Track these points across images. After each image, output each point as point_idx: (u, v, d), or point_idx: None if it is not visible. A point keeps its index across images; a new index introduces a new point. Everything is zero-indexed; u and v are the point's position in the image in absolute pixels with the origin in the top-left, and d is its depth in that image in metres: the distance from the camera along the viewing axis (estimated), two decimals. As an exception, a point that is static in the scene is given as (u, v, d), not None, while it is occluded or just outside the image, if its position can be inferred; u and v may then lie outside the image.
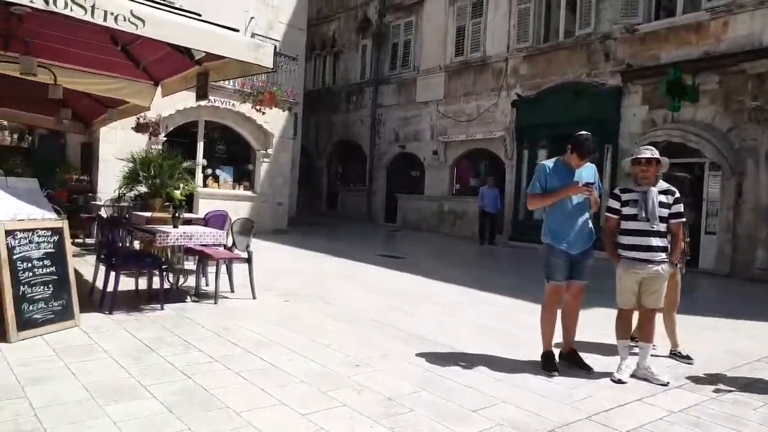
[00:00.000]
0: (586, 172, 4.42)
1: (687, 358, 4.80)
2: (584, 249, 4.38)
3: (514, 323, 5.92)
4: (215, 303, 5.98)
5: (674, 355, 4.88)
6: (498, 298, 7.35)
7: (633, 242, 4.25)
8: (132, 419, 3.06)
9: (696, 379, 4.36)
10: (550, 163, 4.46)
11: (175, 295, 6.17)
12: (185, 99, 11.36)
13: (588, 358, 4.54)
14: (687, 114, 11.59)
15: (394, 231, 17.57)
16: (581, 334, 4.72)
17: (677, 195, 4.31)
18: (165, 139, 12.38)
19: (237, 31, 5.46)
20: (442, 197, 17.52)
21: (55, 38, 6.05)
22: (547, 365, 4.34)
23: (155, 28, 4.38)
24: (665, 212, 4.24)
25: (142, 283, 6.37)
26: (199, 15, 5.09)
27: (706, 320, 6.64)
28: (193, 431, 2.97)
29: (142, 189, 7.93)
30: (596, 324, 5.51)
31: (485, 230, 14.72)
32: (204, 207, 11.95)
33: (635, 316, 4.51)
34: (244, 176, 14.60)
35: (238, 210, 11.95)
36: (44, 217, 4.78)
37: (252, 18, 14.30)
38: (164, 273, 5.89)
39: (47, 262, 4.59)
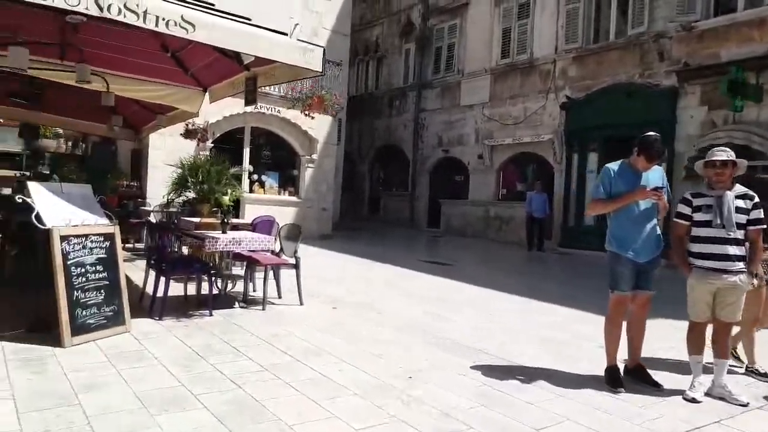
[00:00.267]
0: (654, 175, 4.15)
1: (765, 376, 4.44)
2: (652, 257, 4.10)
3: (572, 334, 5.64)
4: (263, 309, 5.93)
5: (751, 372, 4.53)
6: (553, 307, 7.05)
7: (707, 251, 3.95)
8: (183, 431, 2.98)
9: (778, 400, 4.02)
10: (614, 166, 4.19)
11: (223, 300, 6.16)
12: (231, 105, 11.50)
13: (656, 374, 4.24)
14: (750, 114, 10.99)
15: (438, 236, 17.34)
16: (647, 348, 4.43)
17: (756, 200, 3.97)
18: (212, 145, 12.54)
19: (286, 34, 5.41)
20: (488, 202, 17.18)
21: (106, 46, 6.14)
22: (612, 381, 4.07)
23: (205, 32, 4.36)
24: (743, 218, 3.92)
25: (191, 289, 6.38)
26: (249, 19, 5.06)
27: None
28: (245, 445, 2.87)
29: (191, 195, 7.97)
30: (664, 337, 5.18)
31: (533, 236, 14.36)
32: (250, 212, 12.06)
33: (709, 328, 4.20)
34: (289, 182, 14.67)
35: (284, 215, 11.98)
36: (97, 222, 4.80)
37: (297, 24, 14.35)
38: (213, 278, 5.87)
39: (100, 268, 4.61)
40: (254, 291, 6.54)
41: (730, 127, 11.17)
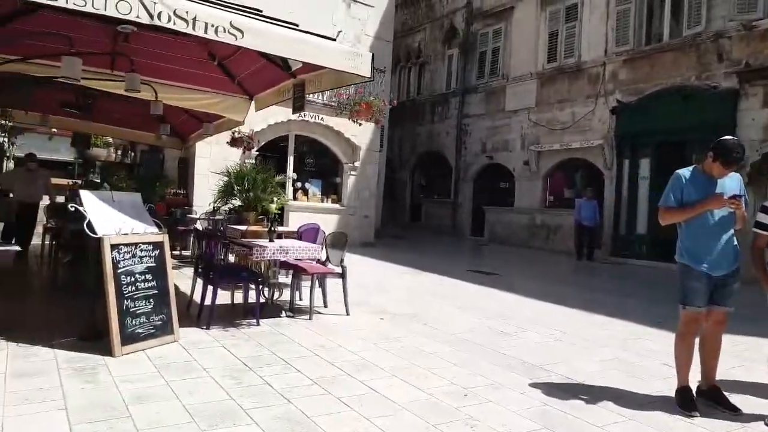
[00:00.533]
0: (731, 182, 3.83)
1: None
2: (730, 270, 3.78)
3: (636, 351, 5.30)
4: (310, 319, 5.82)
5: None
6: (611, 320, 6.70)
7: (792, 263, 3.63)
8: (234, 449, 2.87)
9: None
10: (686, 172, 3.90)
11: (270, 309, 6.08)
12: (276, 113, 11.54)
13: (733, 397, 3.91)
14: (819, 117, 10.36)
15: (482, 245, 17.00)
16: (721, 367, 4.09)
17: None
18: (257, 153, 12.61)
19: (334, 40, 5.32)
20: (535, 209, 16.74)
21: (155, 56, 6.19)
22: (684, 403, 3.77)
23: (254, 38, 4.30)
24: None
25: (237, 297, 6.34)
26: (297, 25, 4.98)
27: None
28: (298, 467, 2.73)
29: (237, 202, 7.99)
30: (741, 357, 4.81)
31: (583, 245, 13.88)
32: (294, 220, 12.06)
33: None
34: (331, 189, 14.65)
35: (326, 223, 11.90)
36: (146, 230, 4.79)
37: (340, 31, 14.37)
38: (260, 287, 5.80)
39: (149, 276, 4.58)
40: (300, 300, 6.45)
41: (797, 131, 10.55)
